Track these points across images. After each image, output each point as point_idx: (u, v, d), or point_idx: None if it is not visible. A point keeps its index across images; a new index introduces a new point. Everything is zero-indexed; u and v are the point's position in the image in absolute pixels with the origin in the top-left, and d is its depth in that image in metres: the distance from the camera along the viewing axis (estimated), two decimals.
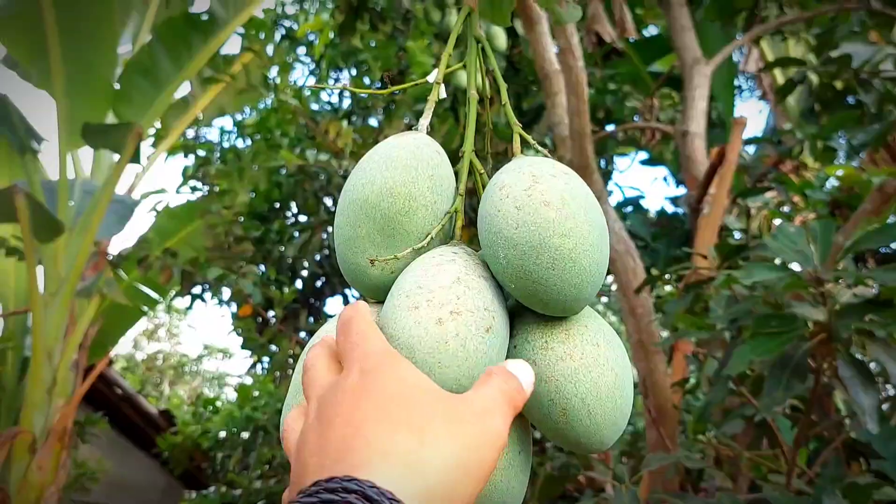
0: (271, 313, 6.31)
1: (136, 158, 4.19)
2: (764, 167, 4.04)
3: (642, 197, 4.57)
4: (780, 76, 6.29)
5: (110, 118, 4.54)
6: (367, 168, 0.78)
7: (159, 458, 8.46)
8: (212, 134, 7.45)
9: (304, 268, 6.23)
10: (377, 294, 0.78)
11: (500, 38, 3.79)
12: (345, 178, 6.59)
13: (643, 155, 5.36)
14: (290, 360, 5.71)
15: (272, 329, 5.75)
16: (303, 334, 5.67)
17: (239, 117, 7.18)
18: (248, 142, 7.62)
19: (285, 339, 5.67)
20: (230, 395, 15.18)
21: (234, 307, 6.54)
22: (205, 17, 4.35)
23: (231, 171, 5.37)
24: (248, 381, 10.38)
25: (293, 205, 6.54)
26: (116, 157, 5.38)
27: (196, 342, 18.44)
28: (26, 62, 4.20)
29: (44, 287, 4.26)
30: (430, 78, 0.88)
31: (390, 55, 4.88)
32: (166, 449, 7.96)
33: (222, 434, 5.33)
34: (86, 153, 5.99)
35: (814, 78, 5.13)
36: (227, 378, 17.99)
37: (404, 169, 0.77)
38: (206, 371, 18.69)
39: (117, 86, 4.41)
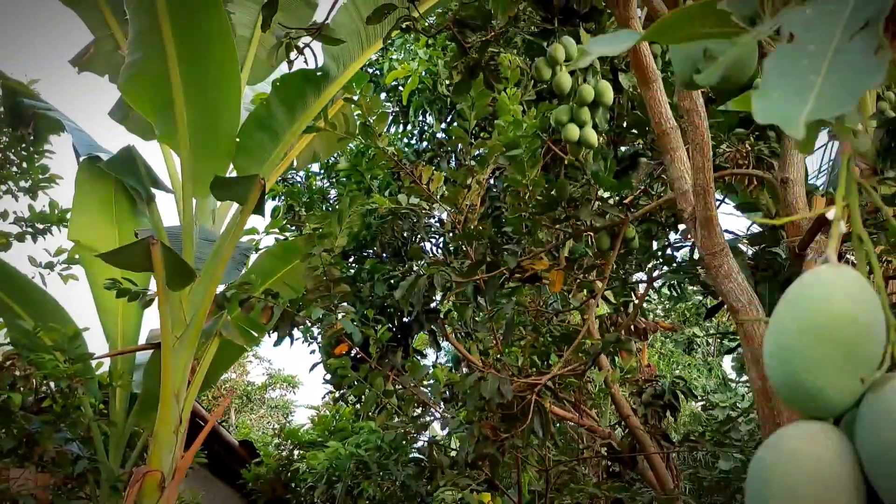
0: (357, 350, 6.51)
1: (259, 209, 4.45)
2: (868, 212, 4.13)
3: (739, 239, 4.67)
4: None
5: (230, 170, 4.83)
6: (820, 294, 0.83)
7: (242, 489, 8.69)
8: (298, 176, 7.73)
9: (395, 306, 6.42)
10: (825, 414, 0.83)
11: (608, 93, 3.96)
12: (437, 221, 6.81)
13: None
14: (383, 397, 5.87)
15: (366, 367, 5.93)
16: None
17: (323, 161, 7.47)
18: (328, 183, 7.92)
19: (380, 377, 5.84)
20: (296, 423, 15.49)
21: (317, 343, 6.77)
22: (319, 73, 4.62)
23: (329, 214, 5.61)
24: (320, 411, 10.60)
25: (378, 244, 6.77)
26: (219, 203, 5.67)
27: (261, 371, 18.82)
28: (151, 116, 4.49)
29: (168, 332, 4.52)
30: (829, 215, 0.90)
31: (484, 104, 5.08)
32: (251, 480, 8.17)
33: (323, 467, 5.52)
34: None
35: (891, 114, 5.21)
36: (293, 407, 18.34)
37: (855, 301, 0.82)
38: (270, 399, 19.05)
39: (238, 139, 4.70)
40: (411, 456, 5.91)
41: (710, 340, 13.75)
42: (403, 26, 3.84)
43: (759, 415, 3.18)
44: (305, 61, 4.11)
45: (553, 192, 4.71)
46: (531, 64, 4.62)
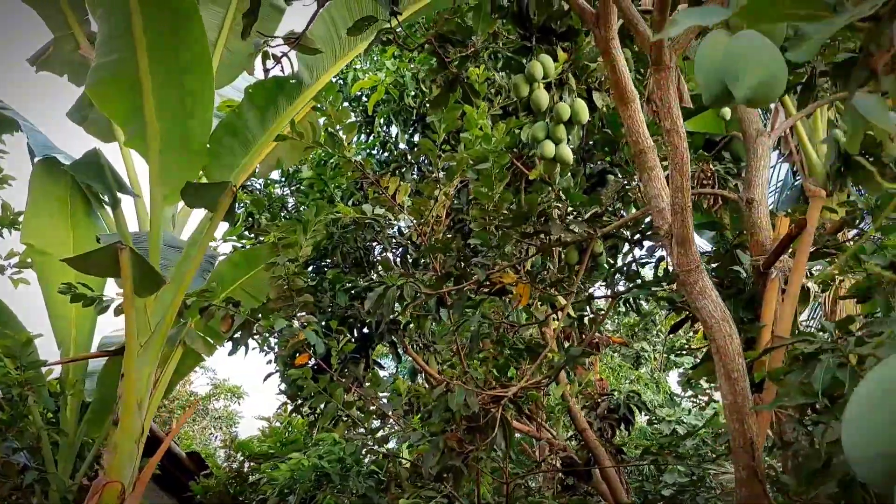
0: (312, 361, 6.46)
1: (230, 217, 4.39)
2: (826, 233, 4.28)
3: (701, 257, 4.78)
4: (805, 136, 6.55)
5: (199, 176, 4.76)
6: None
7: (190, 502, 8.50)
8: (257, 183, 7.64)
9: (356, 317, 6.39)
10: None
11: (584, 112, 4.03)
12: (397, 231, 6.80)
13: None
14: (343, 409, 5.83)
15: (326, 378, 5.88)
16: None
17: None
18: (287, 191, 7.86)
19: (340, 388, 5.80)
20: (240, 435, 15.28)
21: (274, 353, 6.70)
22: (293, 81, 4.59)
23: (294, 223, 5.57)
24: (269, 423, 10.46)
25: (339, 255, 6.74)
26: (179, 208, 5.58)
27: (205, 382, 18.40)
28: (119, 120, 4.40)
29: (134, 339, 4.42)
30: None
31: (455, 117, 5.12)
32: (199, 493, 8.01)
33: (285, 479, 5.44)
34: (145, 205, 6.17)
35: (843, 139, 5.41)
36: (237, 418, 18.03)
37: None
38: (214, 410, 18.70)
39: (208, 146, 4.63)
40: (371, 469, 5.89)
41: (658, 356, 14.00)
42: (384, 39, 3.85)
43: (730, 429, 3.26)
44: (282, 69, 4.09)
45: (523, 207, 4.76)
46: (502, 78, 4.68)
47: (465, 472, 4.87)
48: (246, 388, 18.98)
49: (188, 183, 4.22)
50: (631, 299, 5.99)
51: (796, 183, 8.07)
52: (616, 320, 12.59)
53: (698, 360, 14.11)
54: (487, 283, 4.88)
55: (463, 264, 4.93)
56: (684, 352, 13.77)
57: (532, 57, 3.95)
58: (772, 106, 6.30)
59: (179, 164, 4.38)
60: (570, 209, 4.53)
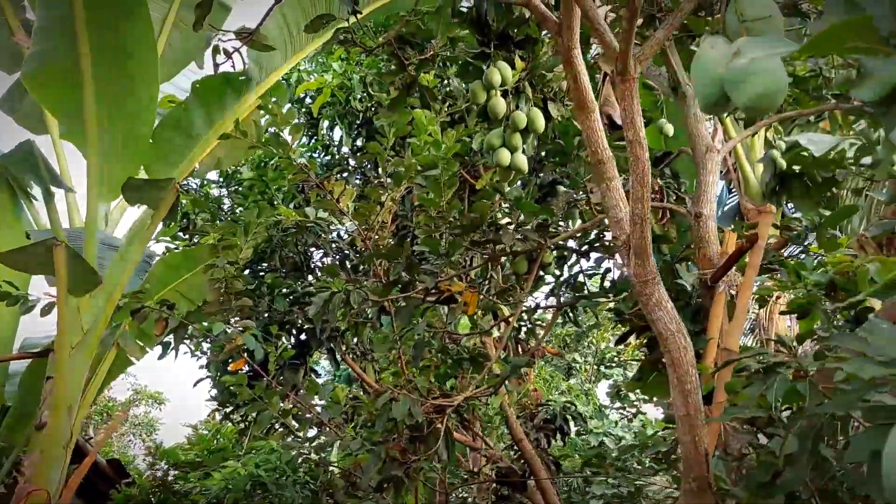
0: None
1: (172, 215, 4.22)
2: (771, 249, 4.37)
3: None
4: (742, 155, 6.71)
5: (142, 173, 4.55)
6: None
7: None
8: (193, 183, 7.41)
9: (293, 323, 6.25)
10: None
11: (540, 121, 4.02)
12: (338, 236, 6.68)
13: None
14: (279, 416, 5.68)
15: (262, 385, 5.73)
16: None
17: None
18: (224, 192, 7.65)
19: (276, 395, 5.65)
20: (161, 442, 14.77)
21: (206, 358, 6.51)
22: (242, 78, 4.45)
23: (234, 225, 5.41)
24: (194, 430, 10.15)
25: (277, 258, 6.58)
26: (112, 205, 5.37)
27: (125, 387, 17.81)
28: (56, 112, 4.18)
29: (66, 340, 4.19)
30: None
31: (405, 121, 5.06)
32: (121, 502, 7.69)
33: (219, 488, 5.24)
34: (81, 200, 5.91)
35: (781, 161, 5.56)
36: (157, 425, 17.48)
37: None
38: (133, 416, 18.10)
39: (151, 141, 4.43)
40: (305, 478, 5.74)
41: (589, 367, 14.17)
42: (342, 38, 3.77)
43: (682, 441, 3.27)
44: (233, 66, 3.97)
45: (473, 215, 4.73)
46: (459, 85, 4.64)
47: (406, 483, 4.78)
48: (167, 394, 18.45)
49: (130, 179, 4.03)
50: (568, 310, 6.02)
51: (730, 200, 8.28)
52: (550, 331, 12.68)
53: (630, 373, 14.32)
54: (435, 290, 4.82)
55: (411, 271, 4.85)
56: (614, 364, 14.00)
57: (490, 64, 3.92)
58: (709, 125, 6.44)
59: (120, 158, 4.18)
60: (520, 218, 4.51)
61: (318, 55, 6.72)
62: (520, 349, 7.65)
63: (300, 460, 5.52)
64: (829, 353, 2.45)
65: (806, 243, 4.46)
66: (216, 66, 3.93)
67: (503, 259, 5.01)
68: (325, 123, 6.84)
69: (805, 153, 5.29)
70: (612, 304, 4.98)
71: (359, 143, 6.73)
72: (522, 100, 4.01)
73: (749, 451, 3.67)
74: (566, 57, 3.48)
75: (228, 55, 3.92)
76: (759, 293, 4.88)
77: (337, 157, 7.55)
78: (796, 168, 5.40)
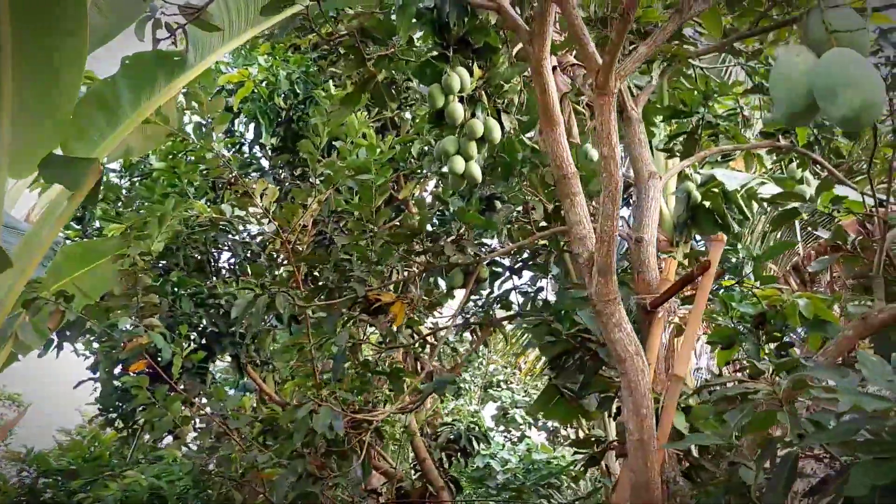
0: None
1: (93, 198, 3.83)
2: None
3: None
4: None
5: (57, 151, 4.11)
6: None
7: None
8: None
9: (195, 325, 5.88)
10: None
11: (497, 131, 3.93)
12: (249, 237, 6.34)
13: None
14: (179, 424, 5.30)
15: (162, 389, 5.34)
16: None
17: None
18: (126, 181, 7.16)
19: (177, 401, 5.28)
20: (15, 448, 13.58)
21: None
22: (176, 58, 4.12)
23: (146, 215, 5.02)
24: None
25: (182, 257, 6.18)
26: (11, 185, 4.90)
27: None
28: None
29: None
30: None
31: (340, 122, 4.86)
32: None
33: (115, 499, 4.80)
34: None
35: (696, 194, 5.70)
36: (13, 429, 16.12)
37: None
38: None
39: (72, 117, 4.01)
40: (202, 492, 5.38)
41: (477, 389, 14.14)
42: (300, 24, 3.56)
43: (633, 466, 3.21)
44: (175, 43, 3.69)
45: (412, 222, 4.58)
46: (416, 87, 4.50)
47: (321, 500, 4.54)
48: (26, 397, 17.12)
49: (52, 155, 3.62)
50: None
51: None
52: (442, 349, 12.57)
53: (517, 396, 14.27)
54: (363, 299, 4.62)
55: (339, 278, 4.64)
56: (501, 387, 14.06)
57: (448, 68, 3.80)
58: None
59: (37, 133, 3.76)
60: (461, 231, 4.39)
61: (242, 47, 6.41)
62: (419, 366, 7.53)
63: (199, 472, 5.15)
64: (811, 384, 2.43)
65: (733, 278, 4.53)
66: (155, 41, 3.64)
67: (425, 272, 4.87)
68: (242, 119, 6.52)
69: (716, 189, 5.43)
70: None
71: (275, 142, 6.43)
72: (479, 108, 3.91)
73: (681, 480, 3.67)
74: (536, 67, 3.40)
75: (172, 32, 3.64)
76: (679, 322, 4.96)
77: (247, 155, 7.23)
78: (706, 203, 5.52)
